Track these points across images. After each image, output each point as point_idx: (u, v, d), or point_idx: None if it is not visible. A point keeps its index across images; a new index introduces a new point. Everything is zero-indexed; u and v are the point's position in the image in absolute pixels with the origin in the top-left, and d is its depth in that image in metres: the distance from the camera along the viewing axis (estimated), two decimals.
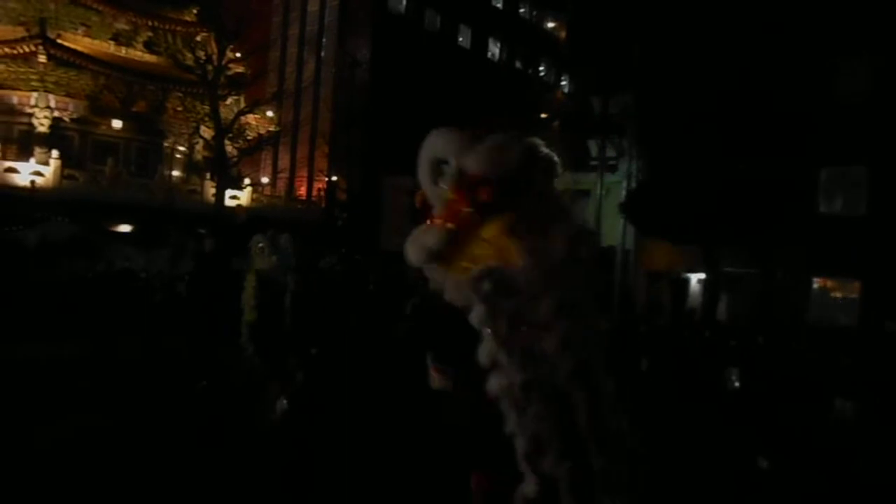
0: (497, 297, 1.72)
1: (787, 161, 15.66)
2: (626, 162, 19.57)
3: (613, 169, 20.09)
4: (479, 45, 40.36)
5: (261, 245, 9.63)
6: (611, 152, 20.01)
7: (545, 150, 1.89)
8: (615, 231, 18.71)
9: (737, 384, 8.79)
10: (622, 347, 9.99)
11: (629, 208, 18.52)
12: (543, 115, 26.66)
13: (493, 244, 1.68)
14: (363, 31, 35.14)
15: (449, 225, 1.70)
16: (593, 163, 20.07)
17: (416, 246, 1.80)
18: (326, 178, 31.57)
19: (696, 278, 19.69)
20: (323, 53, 37.37)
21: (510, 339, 1.75)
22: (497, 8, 41.25)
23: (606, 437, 1.82)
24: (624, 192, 18.91)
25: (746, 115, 15.63)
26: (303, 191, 35.01)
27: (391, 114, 29.66)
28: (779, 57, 16.28)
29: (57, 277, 15.48)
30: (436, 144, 1.89)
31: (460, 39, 39.56)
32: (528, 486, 1.82)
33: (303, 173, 36.27)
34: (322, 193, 31.69)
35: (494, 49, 41.47)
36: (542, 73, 42.55)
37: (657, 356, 9.54)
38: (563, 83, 39.76)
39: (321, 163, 34.40)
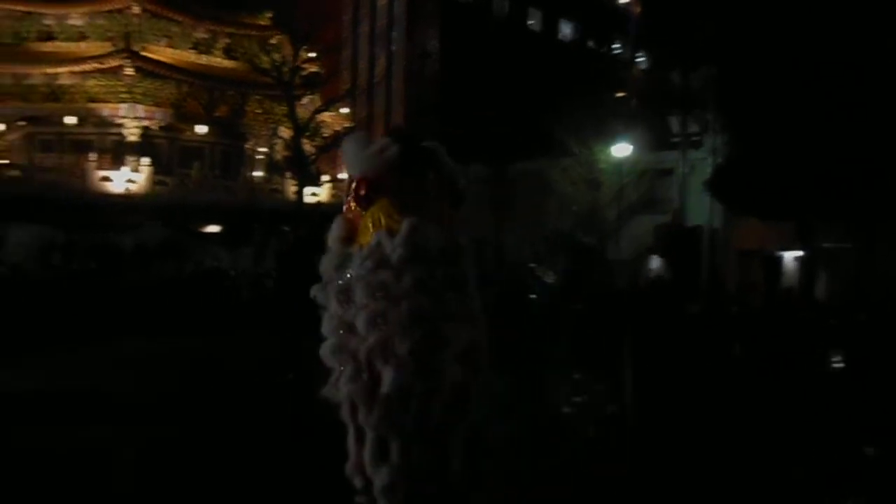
0: (374, 270, 2.12)
1: (888, 128, 14.58)
2: (710, 137, 18.74)
3: (697, 145, 19.31)
4: (550, 27, 39.63)
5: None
6: (693, 128, 19.22)
7: (414, 152, 2.36)
8: (701, 209, 17.96)
9: (839, 366, 8.25)
10: (712, 331, 9.56)
11: (716, 185, 17.72)
12: (620, 94, 25.93)
13: (373, 227, 2.14)
14: (432, 21, 35.14)
15: (347, 215, 2.24)
16: (675, 140, 19.33)
17: (330, 233, 2.30)
18: None
19: (790, 256, 18.69)
20: (393, 47, 37.62)
21: (368, 306, 2.12)
22: None
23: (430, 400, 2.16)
24: (710, 169, 18.12)
25: (844, 80, 14.61)
26: None
27: (463, 103, 29.54)
28: (879, 14, 15.14)
29: (150, 278, 16.23)
30: (344, 151, 2.39)
31: (530, 22, 38.95)
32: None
33: None
34: None
35: (566, 30, 40.63)
36: (616, 51, 41.42)
37: (751, 339, 9.06)
38: (639, 59, 38.55)
39: None
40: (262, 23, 30.02)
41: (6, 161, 25.83)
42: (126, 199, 23.81)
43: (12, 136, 27.18)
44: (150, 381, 8.34)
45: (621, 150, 20.07)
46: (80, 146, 26.21)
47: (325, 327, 2.34)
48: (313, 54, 28.23)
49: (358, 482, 2.43)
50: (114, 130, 26.31)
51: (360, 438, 2.38)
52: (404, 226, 2.25)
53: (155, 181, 24.98)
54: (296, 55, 25.77)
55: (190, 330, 11.81)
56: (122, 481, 5.02)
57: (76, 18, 27.16)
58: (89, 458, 5.43)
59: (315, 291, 2.39)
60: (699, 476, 5.12)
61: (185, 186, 25.54)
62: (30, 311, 11.62)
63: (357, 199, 2.38)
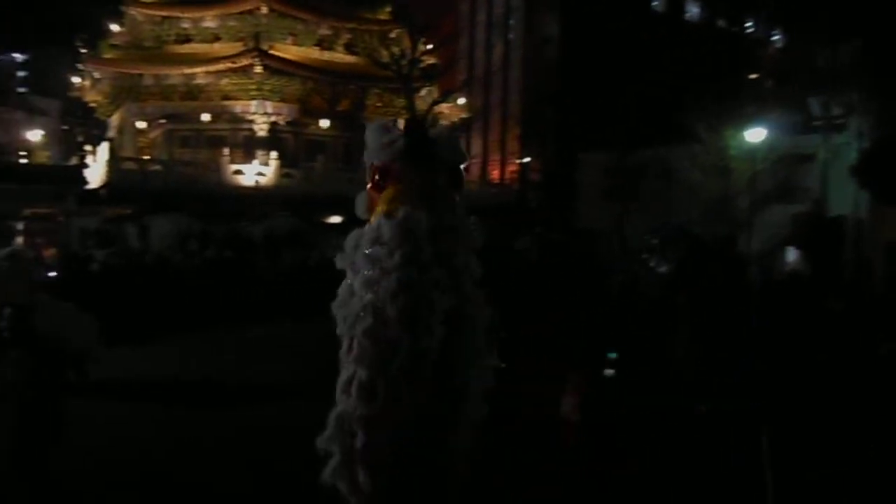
0: (372, 246, 2.38)
1: None
2: (855, 119, 17.23)
3: (840, 128, 17.80)
4: (675, 8, 37.87)
5: None
6: (836, 109, 17.74)
7: (419, 143, 2.56)
8: (845, 199, 16.58)
9: None
10: (856, 329, 8.75)
11: (863, 172, 16.28)
12: (753, 76, 24.37)
13: (381, 208, 2.46)
14: (550, 7, 34.46)
15: (369, 194, 2.52)
16: (816, 123, 17.91)
17: (357, 207, 2.57)
18: (519, 160, 31.48)
19: None
20: (511, 35, 37.27)
21: (364, 274, 2.37)
22: None
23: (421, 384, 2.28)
24: (855, 154, 16.66)
25: None
26: (496, 174, 35.27)
27: (583, 89, 28.82)
28: None
29: (280, 267, 16.93)
30: (365, 140, 2.61)
31: (654, 3, 37.39)
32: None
33: (495, 157, 36.54)
34: (515, 176, 31.69)
35: (693, 9, 38.69)
36: (749, 30, 38.99)
37: None
38: (775, 37, 36.10)
39: (513, 145, 34.43)
40: (382, 17, 30.57)
41: (149, 157, 27.81)
42: (256, 191, 25.00)
43: (154, 134, 29.21)
44: (299, 363, 8.52)
45: (755, 135, 18.81)
46: (214, 142, 27.82)
47: (340, 289, 2.77)
48: (430, 46, 28.46)
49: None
50: (245, 126, 27.68)
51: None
52: (399, 212, 2.61)
53: (282, 174, 26.06)
54: (414, 48, 26.07)
55: (319, 314, 12.13)
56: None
57: (210, 21, 28.73)
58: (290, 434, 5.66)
59: (338, 261, 2.75)
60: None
61: (310, 179, 26.49)
62: (174, 295, 12.45)
63: (372, 184, 2.70)
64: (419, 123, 3.28)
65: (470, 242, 2.81)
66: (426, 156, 2.89)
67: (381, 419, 2.44)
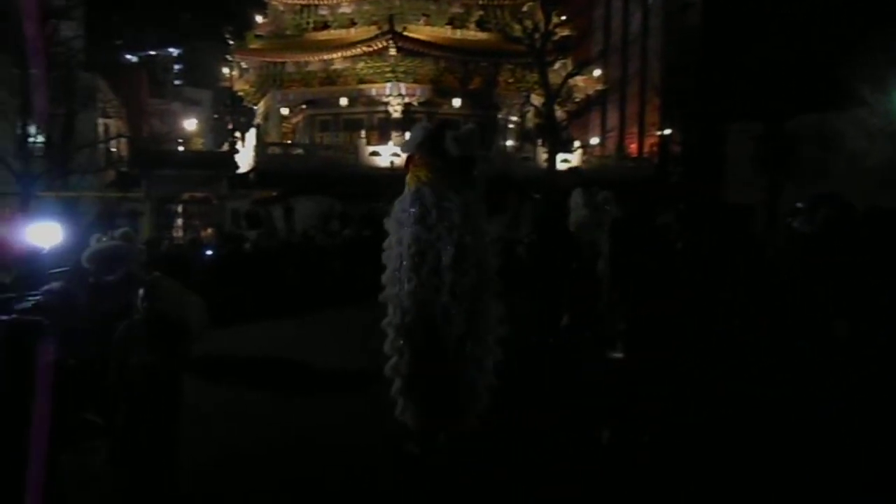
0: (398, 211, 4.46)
1: None
2: None
3: None
4: None
5: (576, 200, 9.20)
6: None
7: (432, 138, 4.74)
8: None
9: None
10: None
11: None
12: None
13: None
14: None
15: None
16: None
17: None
18: (659, 133, 30.05)
19: None
20: (649, 1, 35.49)
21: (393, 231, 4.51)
22: None
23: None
24: None
25: None
26: (633, 148, 33.90)
27: (728, 55, 26.91)
28: None
29: None
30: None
31: None
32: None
33: (633, 130, 35.11)
34: (654, 149, 30.29)
35: None
36: None
37: None
38: None
39: (652, 117, 32.91)
40: None
41: (292, 141, 29.11)
42: (392, 172, 25.48)
43: (296, 119, 30.50)
44: None
45: None
46: (351, 125, 28.66)
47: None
48: (564, 18, 27.65)
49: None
50: (380, 109, 28.25)
51: None
52: (413, 187, 4.48)
53: None
54: (547, 20, 25.40)
55: None
56: None
57: (346, 6, 29.47)
58: None
59: (385, 223, 4.90)
60: None
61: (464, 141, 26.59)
62: (320, 272, 12.98)
63: (406, 167, 4.73)
64: (440, 124, 5.22)
65: (477, 214, 4.77)
66: (434, 149, 4.72)
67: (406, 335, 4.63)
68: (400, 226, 4.74)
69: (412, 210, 4.62)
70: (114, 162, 26.42)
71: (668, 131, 29.11)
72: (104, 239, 6.37)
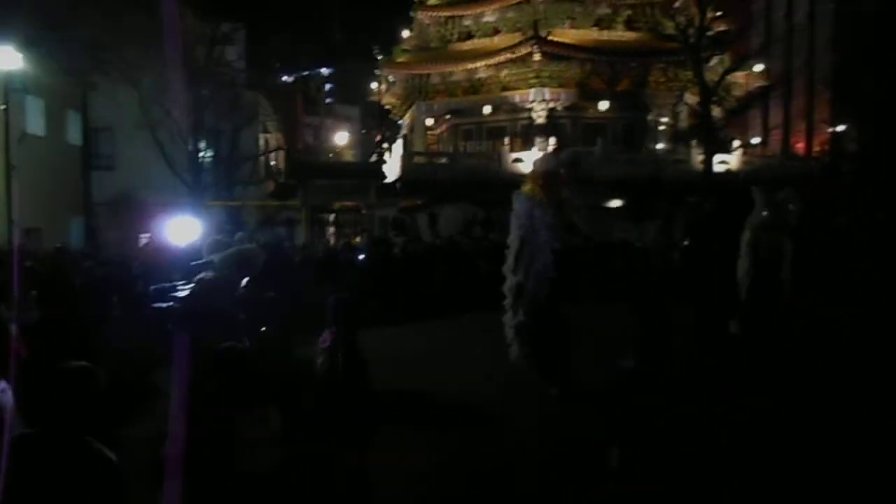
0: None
1: None
2: None
3: None
4: None
5: (755, 198, 8.35)
6: None
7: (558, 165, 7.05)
8: None
9: None
10: None
11: None
12: None
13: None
14: None
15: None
16: None
17: None
18: (830, 129, 27.41)
19: None
20: None
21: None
22: None
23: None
24: None
25: None
26: (801, 146, 31.19)
27: None
28: None
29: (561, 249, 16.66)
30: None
31: None
32: None
33: (800, 127, 32.35)
34: (826, 147, 27.64)
35: None
36: None
37: None
38: None
39: (822, 113, 30.12)
40: None
41: (436, 151, 29.46)
42: None
43: (440, 129, 30.89)
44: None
45: None
46: (494, 132, 28.56)
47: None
48: (720, 12, 25.99)
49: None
50: (523, 115, 27.95)
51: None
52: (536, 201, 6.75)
53: None
54: (703, 14, 23.94)
55: (611, 297, 11.61)
56: None
57: (490, 15, 29.48)
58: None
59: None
60: None
61: (589, 163, 25.81)
62: (466, 275, 12.91)
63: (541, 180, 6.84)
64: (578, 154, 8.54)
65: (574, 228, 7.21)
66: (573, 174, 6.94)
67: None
68: (516, 226, 6.93)
69: (518, 217, 6.86)
70: (273, 173, 28.01)
71: (841, 128, 26.42)
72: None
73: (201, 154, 22.01)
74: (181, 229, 9.74)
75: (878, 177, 22.84)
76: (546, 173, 6.95)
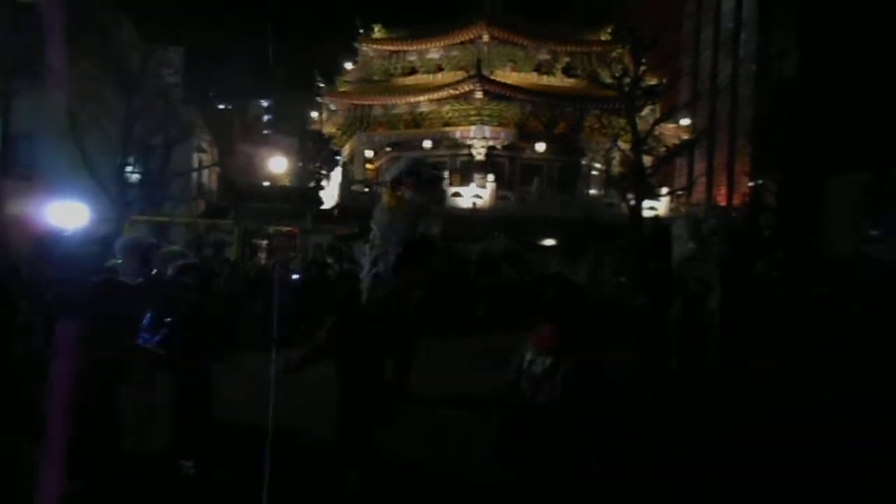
0: None
1: None
2: None
3: None
4: None
5: (678, 232, 8.37)
6: None
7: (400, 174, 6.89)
8: None
9: None
10: None
11: None
12: None
13: None
14: (787, 19, 31.65)
15: None
16: None
17: None
18: (750, 182, 28.95)
19: None
20: (741, 50, 34.80)
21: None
22: None
23: None
24: None
25: None
26: (721, 197, 32.79)
27: (825, 105, 25.89)
28: None
29: (495, 282, 16.88)
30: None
31: None
32: None
33: (721, 179, 34.04)
34: (746, 199, 29.14)
35: None
36: None
37: None
38: None
39: (743, 166, 31.86)
40: (604, 38, 30.00)
41: (374, 181, 29.42)
42: (473, 213, 25.37)
43: (380, 161, 30.93)
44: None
45: None
46: (435, 167, 28.80)
47: None
48: (652, 65, 27.31)
49: None
50: (463, 151, 28.40)
51: None
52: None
53: (498, 196, 26.23)
54: (637, 65, 25.09)
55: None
56: None
57: (434, 52, 30.07)
58: None
59: None
60: None
61: (525, 202, 26.39)
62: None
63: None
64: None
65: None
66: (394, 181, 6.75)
67: None
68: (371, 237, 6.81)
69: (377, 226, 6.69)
70: (205, 193, 27.26)
71: (760, 181, 27.96)
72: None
73: (129, 167, 21.20)
74: (66, 213, 8.89)
75: (795, 228, 24.20)
76: (392, 181, 6.94)
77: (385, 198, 6.87)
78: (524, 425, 3.39)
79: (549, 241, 25.34)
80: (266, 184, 35.92)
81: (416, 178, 6.82)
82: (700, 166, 35.80)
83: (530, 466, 3.39)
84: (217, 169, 30.19)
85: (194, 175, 26.33)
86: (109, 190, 20.20)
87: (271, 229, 24.96)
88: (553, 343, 3.43)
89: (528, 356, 3.50)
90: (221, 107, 43.61)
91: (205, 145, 28.50)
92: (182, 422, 3.71)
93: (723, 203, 31.41)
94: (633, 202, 24.31)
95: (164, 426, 2.92)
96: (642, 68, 25.48)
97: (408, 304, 6.99)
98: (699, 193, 33.91)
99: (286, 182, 43.45)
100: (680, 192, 29.97)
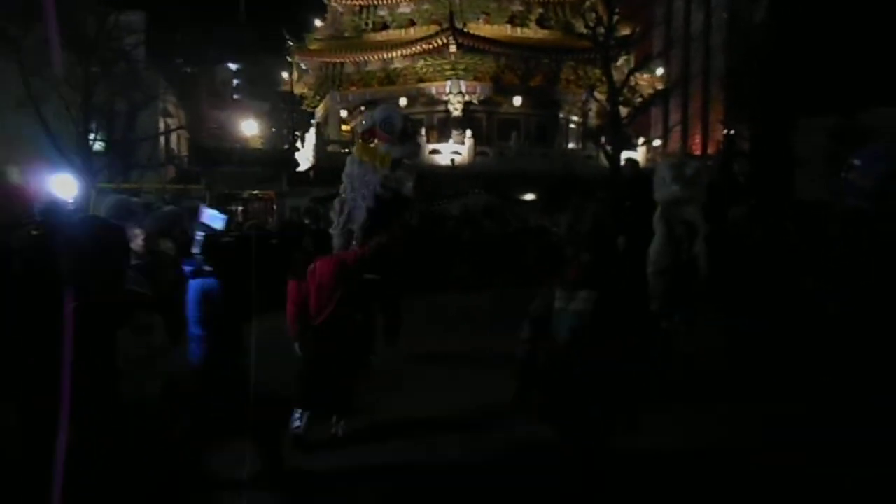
0: None
1: None
2: None
3: None
4: None
5: (662, 175, 8.03)
6: None
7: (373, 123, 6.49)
8: None
9: None
10: None
11: None
12: None
13: None
14: None
15: None
16: None
17: None
18: (724, 130, 29.06)
19: None
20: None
21: None
22: None
23: None
24: None
25: None
26: (696, 146, 32.94)
27: (796, 50, 25.86)
28: None
29: (476, 237, 16.91)
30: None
31: None
32: None
33: (697, 127, 34.13)
34: (721, 146, 29.28)
35: None
36: None
37: None
38: None
39: (717, 114, 31.91)
40: None
41: (351, 140, 29.06)
42: (451, 170, 25.22)
43: (355, 122, 30.46)
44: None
45: None
46: (412, 124, 28.49)
47: None
48: (625, 14, 27.05)
49: None
50: (440, 108, 28.06)
51: None
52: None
53: (476, 152, 26.07)
54: (611, 15, 24.82)
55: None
56: None
57: (405, 6, 29.42)
58: None
59: None
60: None
61: (503, 157, 26.29)
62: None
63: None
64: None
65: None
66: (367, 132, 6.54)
67: None
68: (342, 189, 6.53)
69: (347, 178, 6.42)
70: (174, 158, 26.68)
71: (732, 130, 28.03)
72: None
73: (92, 135, 20.59)
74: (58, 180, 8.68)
75: (766, 174, 24.40)
76: (364, 132, 6.68)
77: (357, 150, 6.54)
78: (565, 361, 3.47)
79: (529, 196, 25.33)
80: (238, 147, 35.28)
81: (390, 129, 6.43)
82: (676, 116, 35.82)
83: (575, 400, 3.49)
84: (187, 135, 29.49)
85: (162, 141, 25.75)
86: (73, 159, 19.64)
87: (245, 193, 24.62)
88: (587, 277, 3.53)
89: (560, 297, 3.56)
90: (188, 70, 42.53)
91: (171, 108, 27.77)
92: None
93: (698, 152, 31.56)
94: (610, 152, 24.34)
95: (161, 370, 2.88)
96: (616, 18, 25.23)
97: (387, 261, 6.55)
98: (675, 143, 34.04)
99: (259, 146, 42.78)
100: (656, 143, 30.02)
